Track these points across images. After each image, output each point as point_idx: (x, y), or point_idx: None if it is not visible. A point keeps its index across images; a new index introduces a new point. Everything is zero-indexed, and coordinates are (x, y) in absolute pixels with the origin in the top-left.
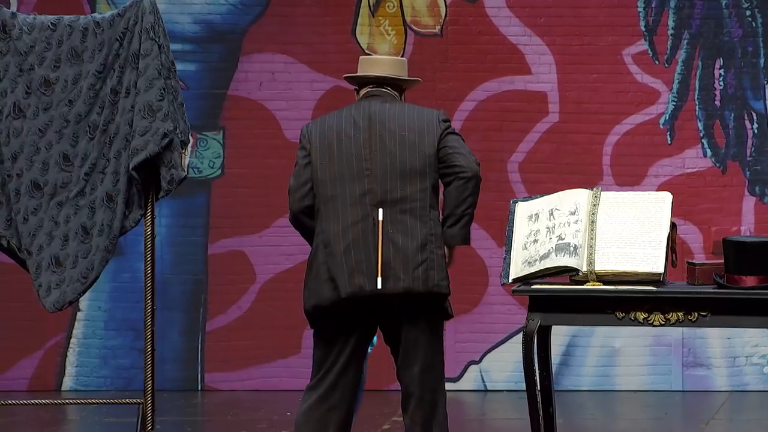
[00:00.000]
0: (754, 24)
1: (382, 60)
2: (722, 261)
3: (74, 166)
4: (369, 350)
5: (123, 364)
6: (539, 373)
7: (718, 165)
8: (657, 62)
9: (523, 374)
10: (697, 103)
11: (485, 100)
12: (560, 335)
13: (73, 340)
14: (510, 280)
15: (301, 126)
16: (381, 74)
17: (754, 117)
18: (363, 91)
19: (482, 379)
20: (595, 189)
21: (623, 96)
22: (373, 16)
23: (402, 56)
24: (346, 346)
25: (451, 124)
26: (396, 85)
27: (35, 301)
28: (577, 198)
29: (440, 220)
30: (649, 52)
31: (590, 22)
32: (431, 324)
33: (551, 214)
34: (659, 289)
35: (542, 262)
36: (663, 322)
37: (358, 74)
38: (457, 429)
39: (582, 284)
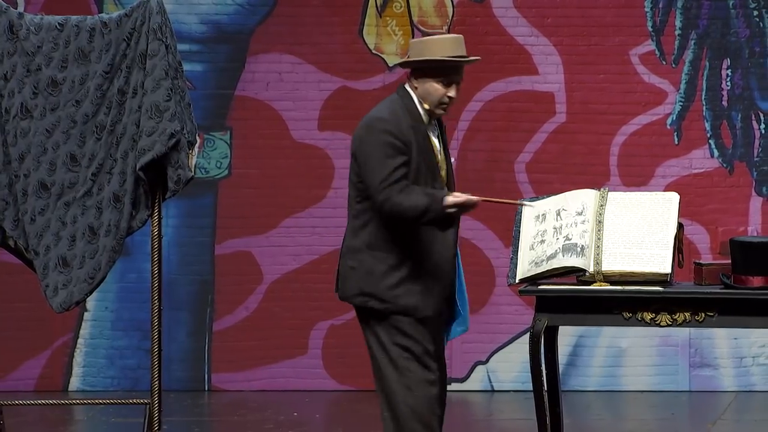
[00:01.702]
0: (761, 24)
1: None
2: (729, 261)
3: (81, 166)
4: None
5: (130, 364)
6: (546, 374)
7: (725, 165)
8: (664, 62)
9: (530, 374)
10: (704, 103)
11: (492, 100)
12: (567, 335)
13: (80, 340)
14: (517, 281)
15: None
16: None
17: (762, 117)
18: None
19: (489, 380)
20: (602, 189)
21: (630, 96)
22: (381, 17)
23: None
24: None
25: (372, 132)
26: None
27: (42, 302)
28: (584, 198)
29: (363, 230)
30: (657, 52)
31: (597, 22)
32: (365, 331)
33: (558, 214)
34: (666, 290)
35: (549, 262)
36: (670, 323)
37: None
38: (463, 429)
39: (589, 284)
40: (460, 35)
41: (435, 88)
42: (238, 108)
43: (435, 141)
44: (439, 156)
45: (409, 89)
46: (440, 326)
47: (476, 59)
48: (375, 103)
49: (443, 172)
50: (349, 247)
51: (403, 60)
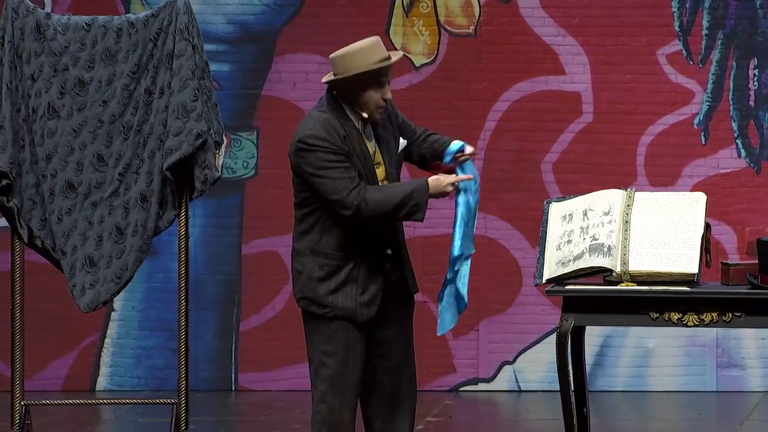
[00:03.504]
0: None
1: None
2: (756, 261)
3: (108, 166)
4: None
5: (157, 364)
6: (573, 374)
7: (752, 165)
8: (691, 62)
9: (556, 374)
10: (731, 103)
11: (519, 100)
12: (594, 335)
13: (107, 340)
14: (544, 281)
15: None
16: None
17: None
18: None
19: (516, 380)
20: (629, 189)
21: (657, 96)
22: (407, 17)
23: (435, 57)
24: None
25: (312, 151)
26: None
27: (69, 302)
28: (610, 198)
29: (307, 235)
30: (684, 52)
31: (624, 22)
32: (306, 334)
33: (585, 214)
34: (693, 290)
35: (576, 262)
36: (697, 323)
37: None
38: (490, 429)
39: (616, 285)
40: (376, 37)
41: (371, 96)
42: (265, 108)
43: (369, 144)
44: (375, 157)
45: (337, 99)
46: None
47: (400, 55)
48: (402, 103)
49: (381, 169)
50: (295, 250)
51: (335, 78)
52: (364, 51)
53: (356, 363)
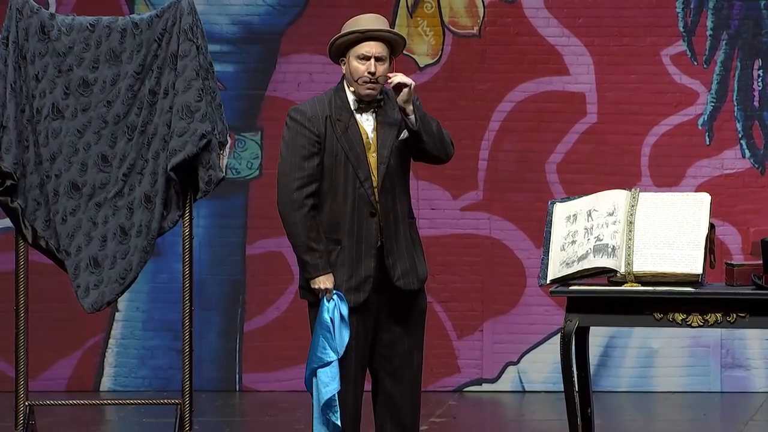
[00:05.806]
0: None
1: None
2: (761, 262)
3: (112, 166)
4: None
5: (161, 364)
6: (577, 374)
7: (756, 166)
8: (695, 63)
9: (561, 375)
10: (735, 103)
11: (523, 100)
12: (598, 336)
13: (111, 340)
14: (548, 281)
15: None
16: None
17: None
18: None
19: (520, 380)
20: (633, 190)
21: (662, 97)
22: (411, 17)
23: (440, 58)
24: None
25: (288, 124)
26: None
27: (74, 302)
28: (615, 199)
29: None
30: (688, 52)
31: (629, 22)
32: None
33: (589, 214)
34: (697, 290)
35: (580, 263)
36: (701, 323)
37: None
38: (495, 430)
39: (620, 285)
40: (382, 17)
41: (355, 66)
42: (269, 108)
43: (367, 126)
44: (372, 144)
45: (343, 78)
46: (368, 317)
47: (382, 30)
48: None
49: (374, 154)
50: None
51: (330, 43)
52: (356, 19)
53: (351, 359)
